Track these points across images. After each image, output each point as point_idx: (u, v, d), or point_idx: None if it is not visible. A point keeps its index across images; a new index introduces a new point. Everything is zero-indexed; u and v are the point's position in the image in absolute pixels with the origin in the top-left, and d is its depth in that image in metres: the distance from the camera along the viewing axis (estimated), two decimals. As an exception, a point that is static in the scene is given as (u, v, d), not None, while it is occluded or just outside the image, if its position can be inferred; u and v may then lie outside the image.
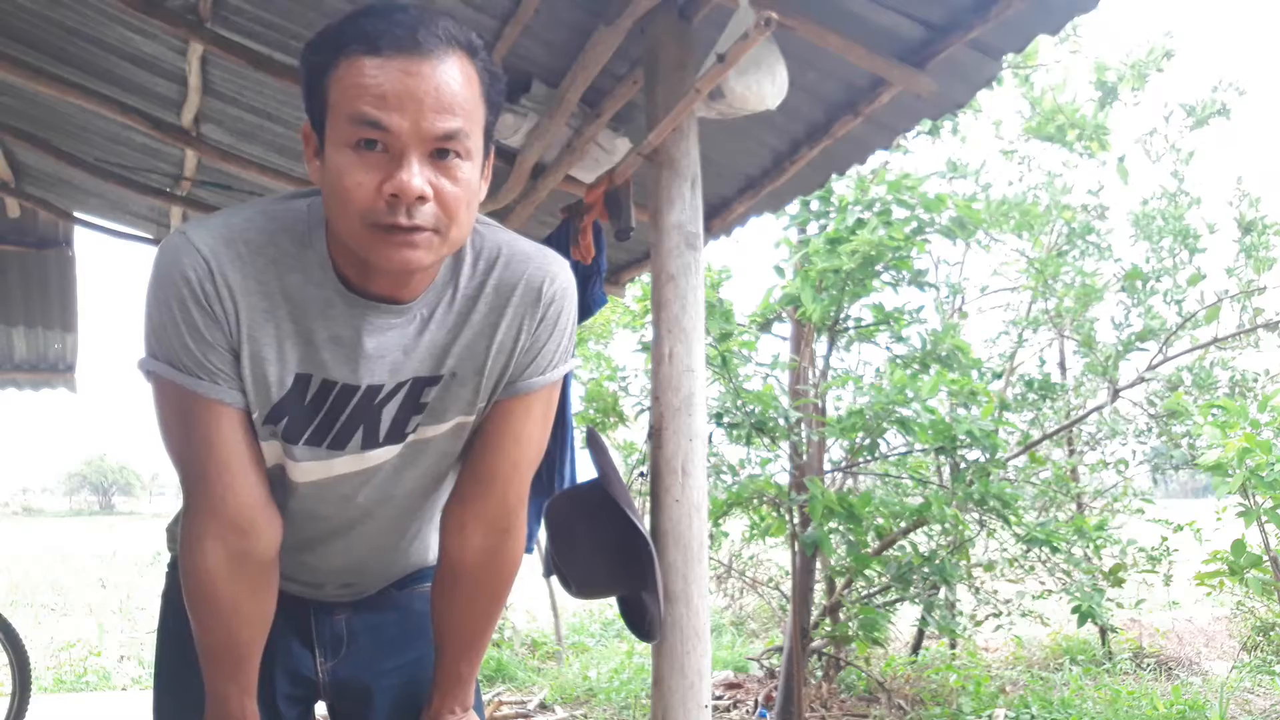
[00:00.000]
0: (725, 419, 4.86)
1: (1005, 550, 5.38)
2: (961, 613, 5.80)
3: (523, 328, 1.15)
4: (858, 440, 4.90)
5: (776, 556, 6.78)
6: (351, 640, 1.37)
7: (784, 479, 5.01)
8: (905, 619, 6.29)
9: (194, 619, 1.15)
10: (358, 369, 1.10)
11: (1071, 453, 6.61)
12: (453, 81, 0.96)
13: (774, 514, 5.11)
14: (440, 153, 0.97)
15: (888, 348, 5.37)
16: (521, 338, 1.15)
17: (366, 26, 0.95)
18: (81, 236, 5.72)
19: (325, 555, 1.29)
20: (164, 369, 1.06)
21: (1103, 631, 6.63)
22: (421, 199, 0.95)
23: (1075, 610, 4.67)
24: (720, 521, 5.22)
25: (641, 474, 5.85)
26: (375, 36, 0.95)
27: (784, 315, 5.20)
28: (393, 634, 1.40)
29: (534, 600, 10.00)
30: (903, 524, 4.79)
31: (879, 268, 4.63)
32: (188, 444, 1.09)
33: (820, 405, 5.07)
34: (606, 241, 2.85)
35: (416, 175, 0.95)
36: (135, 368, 1.10)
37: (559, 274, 1.17)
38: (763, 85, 2.10)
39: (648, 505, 2.25)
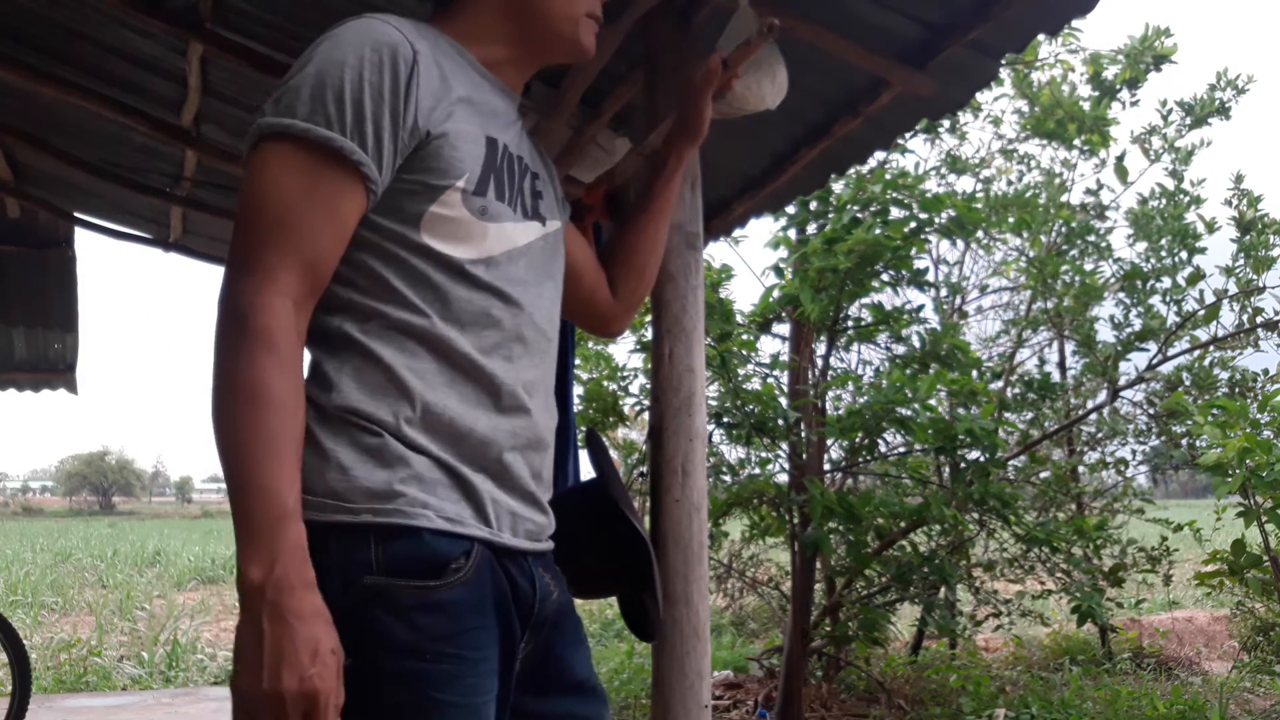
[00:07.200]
0: (725, 419, 4.86)
1: (1005, 550, 5.38)
2: (961, 613, 5.80)
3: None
4: (857, 440, 4.90)
5: (776, 556, 6.78)
6: (542, 626, 1.21)
7: (784, 479, 5.01)
8: (905, 619, 6.29)
9: (254, 389, 0.98)
10: (506, 134, 1.24)
11: (1071, 453, 6.60)
12: None
13: (774, 514, 5.11)
14: None
15: (887, 347, 5.37)
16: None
17: None
18: (81, 236, 5.71)
19: (523, 379, 1.20)
20: (303, 127, 1.04)
21: (1103, 631, 6.63)
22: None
23: (1075, 610, 4.67)
24: (720, 521, 5.22)
25: (641, 474, 5.84)
26: None
27: (784, 315, 5.20)
28: (571, 645, 1.29)
29: (534, 600, 9.99)
30: (903, 524, 4.78)
31: (878, 267, 4.63)
32: (298, 201, 1.04)
33: (820, 405, 5.07)
34: (606, 242, 2.85)
35: None
36: (255, 132, 1.05)
37: None
38: (763, 85, 2.10)
39: (648, 505, 2.25)
